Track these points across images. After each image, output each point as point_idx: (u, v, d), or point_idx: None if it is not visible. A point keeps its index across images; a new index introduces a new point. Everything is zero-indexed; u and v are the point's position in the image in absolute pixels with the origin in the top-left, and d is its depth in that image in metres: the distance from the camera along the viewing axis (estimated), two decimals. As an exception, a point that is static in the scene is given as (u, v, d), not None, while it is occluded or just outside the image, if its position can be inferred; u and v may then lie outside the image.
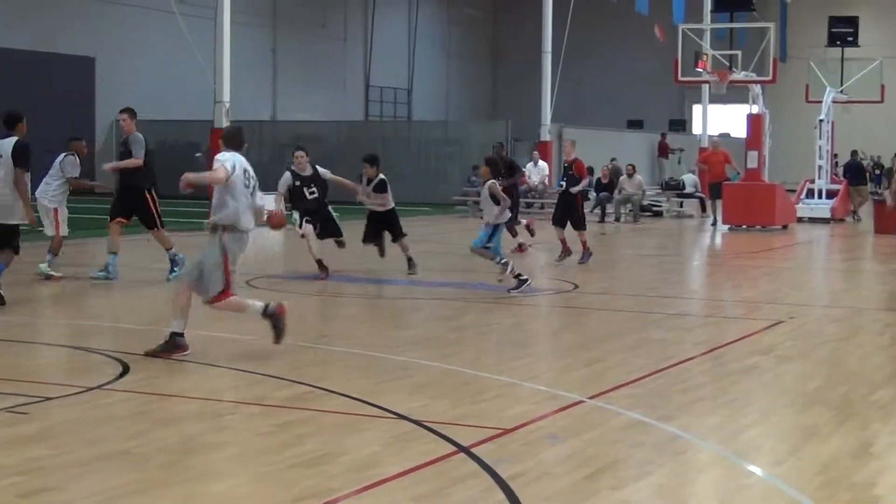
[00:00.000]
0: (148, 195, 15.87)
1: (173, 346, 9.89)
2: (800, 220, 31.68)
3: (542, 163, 34.72)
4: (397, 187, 37.94)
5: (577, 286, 16.62)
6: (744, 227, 29.25)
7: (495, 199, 15.16)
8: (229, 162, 10.09)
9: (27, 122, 13.40)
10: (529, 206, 33.86)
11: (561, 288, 16.46)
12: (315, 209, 16.95)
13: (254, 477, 6.48)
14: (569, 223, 19.30)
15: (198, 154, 30.15)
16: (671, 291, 17.11)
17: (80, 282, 15.65)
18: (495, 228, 15.35)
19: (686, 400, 8.75)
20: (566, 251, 18.90)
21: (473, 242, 15.70)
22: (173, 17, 27.81)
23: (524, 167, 36.23)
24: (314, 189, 16.91)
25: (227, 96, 27.00)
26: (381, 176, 16.97)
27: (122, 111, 16.85)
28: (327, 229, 17.15)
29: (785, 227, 29.69)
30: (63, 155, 16.35)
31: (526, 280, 14.91)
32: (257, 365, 9.82)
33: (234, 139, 10.65)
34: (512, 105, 54.09)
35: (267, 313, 10.05)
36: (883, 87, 43.54)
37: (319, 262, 16.00)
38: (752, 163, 31.53)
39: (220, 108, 27.00)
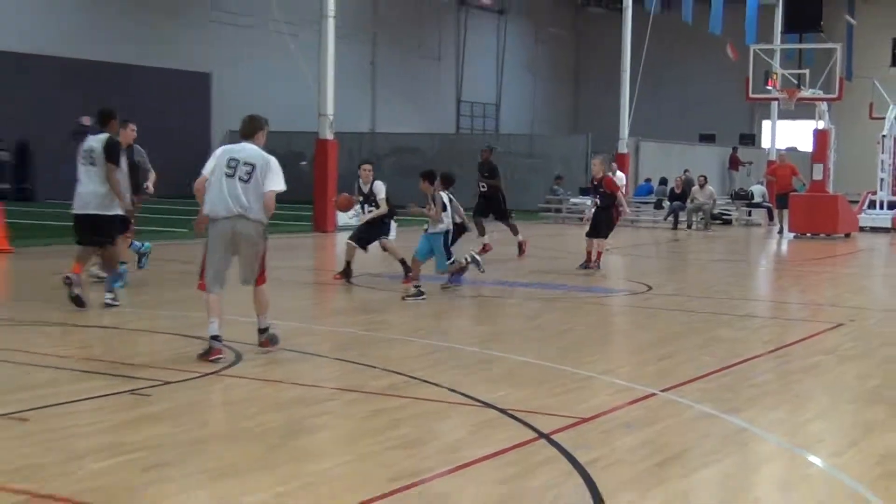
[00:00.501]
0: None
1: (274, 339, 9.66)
2: (861, 229, 31.23)
3: (619, 173, 34.67)
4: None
5: (650, 288, 16.52)
6: (808, 235, 28.90)
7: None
8: (210, 161, 9.20)
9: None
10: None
11: (635, 290, 16.37)
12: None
13: (353, 457, 6.54)
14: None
15: (303, 163, 30.38)
16: (739, 294, 16.95)
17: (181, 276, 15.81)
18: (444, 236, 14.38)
19: (752, 395, 8.68)
20: (593, 261, 18.07)
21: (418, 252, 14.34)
22: (282, 35, 28.03)
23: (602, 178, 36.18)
24: (371, 208, 16.57)
25: (329, 109, 27.08)
26: (442, 193, 14.95)
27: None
28: (371, 233, 16.63)
29: (847, 235, 29.29)
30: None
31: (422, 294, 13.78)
32: (356, 356, 9.90)
33: (243, 129, 9.46)
34: (592, 119, 53.74)
35: (211, 336, 9.09)
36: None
37: (402, 262, 15.53)
38: (818, 175, 31.20)
39: (323, 121, 27.13)
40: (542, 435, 7.01)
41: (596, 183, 18.44)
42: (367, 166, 17.13)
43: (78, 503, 5.47)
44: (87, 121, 15.65)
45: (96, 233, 12.32)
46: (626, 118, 37.96)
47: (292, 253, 21.42)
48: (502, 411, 7.68)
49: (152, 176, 15.09)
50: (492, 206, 21.52)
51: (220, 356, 8.91)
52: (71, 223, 12.84)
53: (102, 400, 7.91)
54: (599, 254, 18.10)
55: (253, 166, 8.86)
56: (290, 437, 6.96)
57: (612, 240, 20.79)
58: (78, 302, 11.98)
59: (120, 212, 12.48)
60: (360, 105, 47.42)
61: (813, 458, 6.84)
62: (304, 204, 28.24)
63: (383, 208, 16.27)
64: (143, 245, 15.52)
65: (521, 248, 21.19)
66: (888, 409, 8.29)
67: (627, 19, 38.36)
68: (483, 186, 21.38)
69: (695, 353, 10.68)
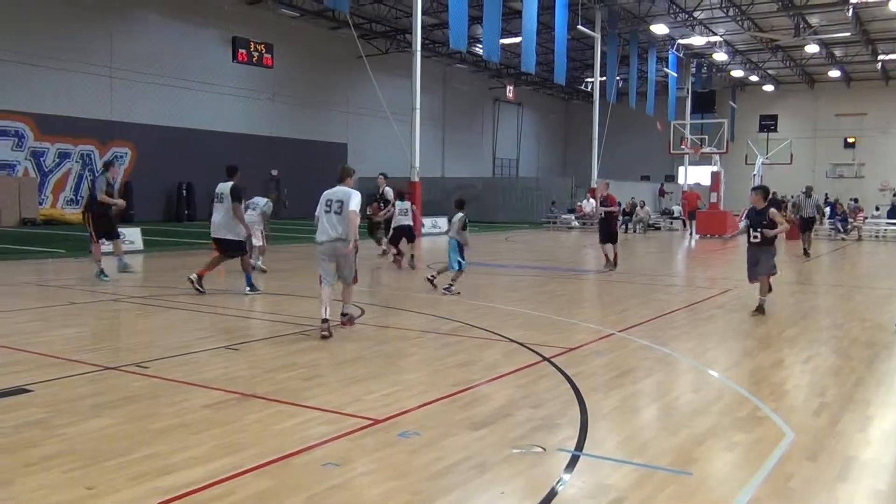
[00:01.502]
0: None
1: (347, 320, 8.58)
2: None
3: (591, 200, 34.93)
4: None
5: (612, 270, 16.34)
6: (707, 235, 28.53)
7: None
8: (319, 204, 8.27)
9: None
10: (584, 224, 33.59)
11: (601, 270, 16.19)
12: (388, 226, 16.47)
13: (429, 372, 6.55)
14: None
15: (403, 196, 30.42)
16: (665, 272, 16.75)
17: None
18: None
19: (673, 334, 8.57)
20: (611, 262, 15.51)
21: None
22: (388, 119, 28.21)
23: (580, 203, 36.32)
24: (385, 207, 16.75)
25: (416, 163, 27.23)
26: (459, 214, 11.95)
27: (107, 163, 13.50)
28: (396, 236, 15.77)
29: (732, 236, 28.92)
30: (266, 200, 14.82)
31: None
32: (432, 311, 9.92)
33: (338, 175, 8.48)
34: (575, 167, 53.91)
35: (322, 319, 7.97)
36: (791, 154, 43.28)
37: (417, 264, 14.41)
38: (714, 199, 31.55)
39: (413, 170, 27.26)
40: (545, 358, 6.99)
41: (602, 199, 16.40)
42: (380, 177, 17.31)
43: (268, 399, 5.52)
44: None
45: (227, 249, 11.23)
46: (595, 165, 38.02)
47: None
48: (521, 344, 7.66)
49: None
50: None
51: (326, 336, 7.80)
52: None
53: (282, 337, 8.00)
54: (616, 255, 15.63)
55: (342, 202, 8.06)
56: (392, 360, 7.00)
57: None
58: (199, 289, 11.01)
59: (241, 237, 11.23)
60: (435, 160, 47.65)
61: (712, 372, 6.76)
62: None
63: (390, 207, 16.46)
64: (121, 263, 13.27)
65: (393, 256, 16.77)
66: (756, 343, 8.16)
67: (595, 107, 38.32)
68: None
69: (638, 308, 10.55)
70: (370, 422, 4.99)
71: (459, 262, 11.59)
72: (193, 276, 11.08)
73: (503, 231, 29.87)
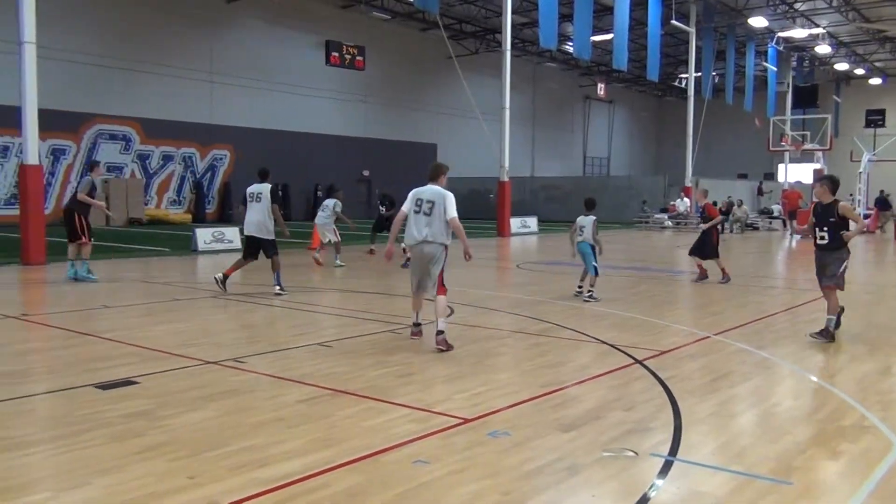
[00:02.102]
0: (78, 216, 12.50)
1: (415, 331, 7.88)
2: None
3: (686, 199, 34.27)
4: (601, 214, 37.42)
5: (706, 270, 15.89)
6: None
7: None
8: (406, 202, 7.55)
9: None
10: (677, 224, 32.85)
11: (695, 271, 15.77)
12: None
13: (519, 372, 6.53)
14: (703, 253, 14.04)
15: (490, 195, 30.43)
16: (764, 273, 16.18)
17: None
18: None
19: (773, 338, 8.26)
20: (703, 274, 13.68)
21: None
22: (478, 119, 28.22)
23: (673, 202, 35.48)
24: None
25: (506, 163, 27.18)
26: (592, 217, 11.32)
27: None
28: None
29: (799, 235, 27.89)
30: (335, 201, 15.52)
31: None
32: (521, 311, 9.88)
33: (430, 173, 7.77)
34: (667, 165, 52.74)
35: (412, 324, 7.84)
36: (900, 151, 41.15)
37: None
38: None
39: (502, 170, 27.22)
40: (637, 361, 6.86)
41: (701, 209, 14.76)
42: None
43: (360, 396, 5.62)
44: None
45: (262, 248, 11.24)
46: (689, 164, 37.06)
47: (484, 250, 21.50)
48: (612, 346, 7.55)
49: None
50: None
51: (417, 338, 7.71)
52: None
53: (373, 335, 8.11)
54: (724, 269, 13.52)
55: (433, 203, 7.36)
56: (482, 359, 7.00)
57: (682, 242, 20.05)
58: (222, 285, 11.25)
59: (273, 236, 11.24)
60: (524, 159, 47.47)
61: (814, 378, 6.50)
62: (491, 220, 28.43)
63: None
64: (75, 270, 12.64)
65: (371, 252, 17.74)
66: (864, 348, 7.77)
67: (690, 104, 37.37)
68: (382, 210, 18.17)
69: (734, 311, 10.23)
70: (460, 420, 5.01)
71: (595, 268, 11.07)
72: (219, 276, 11.30)
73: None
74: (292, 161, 34.28)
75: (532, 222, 30.22)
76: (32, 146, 15.13)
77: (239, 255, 11.98)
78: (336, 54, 34.59)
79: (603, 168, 56.27)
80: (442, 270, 7.48)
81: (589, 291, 10.99)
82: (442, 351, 7.09)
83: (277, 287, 11.16)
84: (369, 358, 6.95)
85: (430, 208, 7.38)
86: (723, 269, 13.51)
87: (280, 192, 11.33)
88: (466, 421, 5.01)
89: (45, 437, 4.66)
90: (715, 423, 5.14)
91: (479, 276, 14.82)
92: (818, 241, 8.35)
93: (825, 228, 8.22)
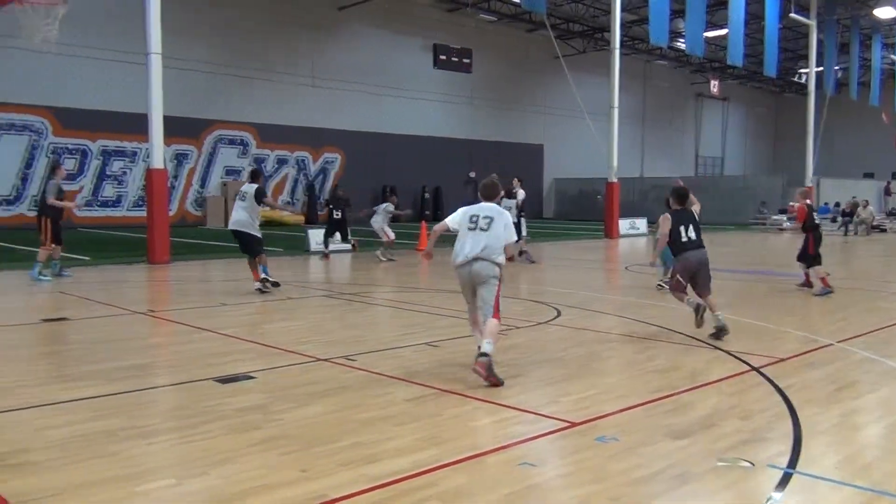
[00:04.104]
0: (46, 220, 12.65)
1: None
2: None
3: (807, 200, 32.71)
4: (714, 216, 36.28)
5: (828, 274, 15.11)
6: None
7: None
8: (455, 216, 6.75)
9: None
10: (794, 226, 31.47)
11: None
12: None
13: (627, 377, 6.40)
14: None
15: (598, 196, 29.95)
16: (893, 278, 15.23)
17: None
18: None
19: (902, 346, 7.79)
20: (806, 282, 12.45)
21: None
22: (585, 119, 27.85)
23: (793, 203, 33.94)
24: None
25: (614, 163, 26.75)
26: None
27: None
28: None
29: None
30: (387, 204, 17.16)
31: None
32: (629, 314, 9.68)
33: (487, 192, 6.85)
34: (786, 164, 50.66)
35: (481, 352, 6.05)
36: None
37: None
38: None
39: (610, 171, 26.78)
40: (753, 368, 6.60)
41: (788, 210, 13.31)
42: (516, 180, 16.75)
43: (466, 396, 5.64)
44: (472, 174, 16.09)
45: (246, 243, 11.64)
46: (809, 163, 35.50)
47: (591, 252, 21.24)
48: (726, 352, 7.29)
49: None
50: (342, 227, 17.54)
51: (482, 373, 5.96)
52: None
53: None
54: (823, 279, 12.04)
55: (491, 219, 6.55)
56: (589, 363, 6.89)
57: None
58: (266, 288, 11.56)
59: (259, 234, 11.68)
60: (633, 159, 46.60)
61: (949, 391, 6.06)
62: (599, 221, 28.02)
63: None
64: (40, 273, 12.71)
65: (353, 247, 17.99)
66: None
67: (810, 100, 35.73)
68: (337, 214, 17.31)
69: (860, 317, 9.69)
70: (567, 424, 4.95)
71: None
72: (258, 285, 11.42)
73: (706, 233, 28.54)
74: (400, 163, 34.87)
75: (641, 224, 29.57)
76: (158, 151, 15.97)
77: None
78: (443, 57, 34.90)
79: (716, 168, 54.54)
80: (497, 296, 6.48)
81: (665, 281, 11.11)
82: (480, 375, 5.89)
83: (260, 280, 11.44)
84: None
85: (489, 224, 6.59)
86: (821, 279, 12.02)
87: (264, 196, 11.71)
88: (574, 425, 4.94)
89: (167, 427, 4.90)
90: (838, 435, 4.88)
91: (585, 278, 14.63)
92: None
93: None
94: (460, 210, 6.85)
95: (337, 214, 17.19)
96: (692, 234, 8.40)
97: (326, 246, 17.56)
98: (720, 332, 7.91)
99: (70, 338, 8.18)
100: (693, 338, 7.98)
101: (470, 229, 6.62)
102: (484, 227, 6.60)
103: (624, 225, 28.05)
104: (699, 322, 8.01)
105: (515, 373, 6.41)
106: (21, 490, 3.77)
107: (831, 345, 7.76)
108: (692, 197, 8.97)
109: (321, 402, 5.42)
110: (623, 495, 3.82)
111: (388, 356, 7.04)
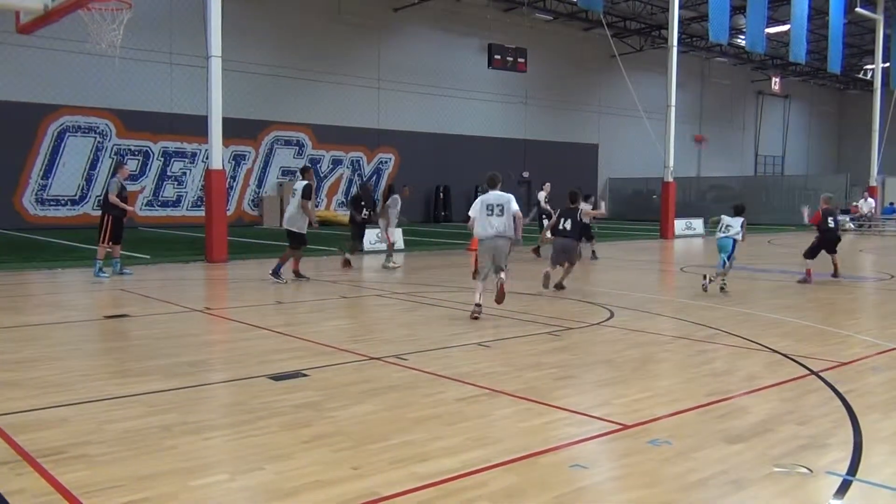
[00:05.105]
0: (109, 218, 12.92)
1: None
2: None
3: (870, 199, 31.72)
4: (770, 216, 35.36)
5: (892, 276, 14.69)
6: None
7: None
8: (475, 206, 9.31)
9: (560, 181, 13.19)
10: (860, 226, 30.49)
11: (881, 277, 14.62)
12: None
13: (682, 380, 6.30)
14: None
15: (654, 196, 29.60)
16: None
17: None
18: None
19: (973, 352, 7.49)
20: (807, 278, 13.18)
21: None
22: (641, 118, 27.50)
23: (857, 203, 32.96)
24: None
25: (671, 163, 26.37)
26: (741, 218, 12.12)
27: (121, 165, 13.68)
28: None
29: None
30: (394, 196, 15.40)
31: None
32: (685, 316, 9.53)
33: (492, 181, 9.44)
34: (849, 164, 49.23)
35: (477, 303, 9.20)
36: None
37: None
38: None
39: (666, 170, 26.40)
40: (813, 372, 6.44)
41: (808, 214, 13.96)
42: (547, 185, 17.67)
43: (517, 397, 5.63)
44: (525, 174, 15.95)
45: (289, 240, 12.68)
46: (875, 161, 34.45)
47: (646, 252, 20.95)
48: (785, 356, 7.12)
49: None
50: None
51: (477, 317, 9.06)
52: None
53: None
54: (808, 271, 13.31)
55: (501, 205, 9.19)
56: (643, 365, 6.81)
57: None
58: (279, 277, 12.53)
59: (303, 230, 12.48)
60: (690, 159, 45.87)
61: None
62: (654, 221, 27.63)
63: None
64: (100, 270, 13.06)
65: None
66: None
67: (877, 96, 34.69)
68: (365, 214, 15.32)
69: (927, 322, 9.38)
70: (619, 426, 4.90)
71: (726, 262, 11.87)
72: (292, 277, 12.50)
73: (766, 233, 27.93)
74: (453, 163, 34.94)
75: (698, 224, 29.07)
76: (217, 152, 16.31)
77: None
78: (498, 57, 34.76)
79: (777, 167, 53.29)
80: (506, 259, 9.50)
81: (722, 281, 11.79)
82: (499, 291, 9.23)
83: (271, 272, 12.46)
84: (528, 359, 6.94)
85: (501, 210, 9.20)
86: (807, 271, 13.35)
87: (313, 190, 12.12)
88: (626, 427, 4.89)
89: (223, 422, 5.01)
90: (902, 443, 4.73)
91: (640, 279, 14.44)
92: None
93: None
94: (477, 200, 9.39)
95: (365, 215, 15.31)
96: (567, 226, 11.51)
97: (352, 252, 15.47)
98: (554, 286, 11.54)
99: (130, 334, 8.41)
100: (751, 341, 7.82)
101: (488, 215, 9.20)
102: (499, 212, 9.18)
103: (679, 225, 27.62)
104: (545, 283, 11.39)
105: (567, 374, 6.38)
106: (80, 482, 3.89)
107: (895, 349, 7.52)
108: (583, 201, 12.58)
109: (372, 401, 5.47)
110: (675, 500, 3.77)
111: (440, 356, 7.07)
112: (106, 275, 12.97)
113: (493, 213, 9.18)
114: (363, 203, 15.21)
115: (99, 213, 13.46)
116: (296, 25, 30.91)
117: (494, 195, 9.32)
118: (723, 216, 12.44)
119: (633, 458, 4.34)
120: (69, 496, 3.70)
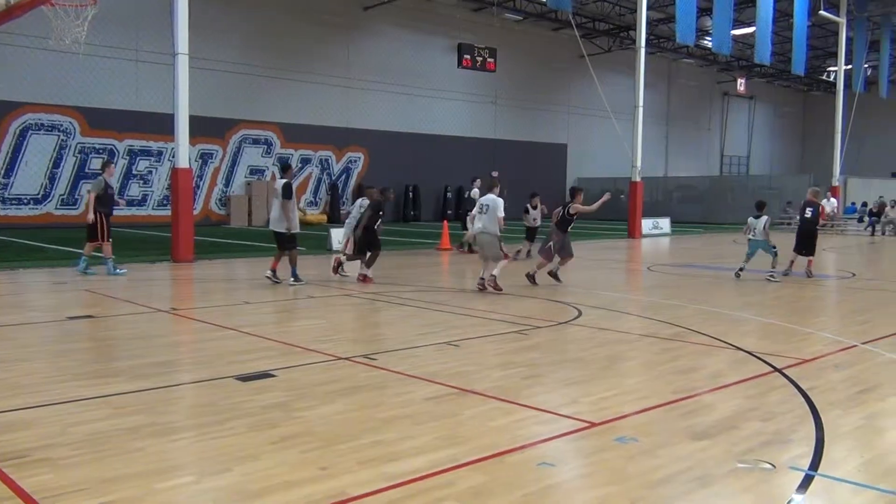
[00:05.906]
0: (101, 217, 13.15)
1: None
2: None
3: (833, 199, 32.35)
4: (739, 215, 35.79)
5: (854, 274, 14.98)
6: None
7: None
8: (476, 206, 11.75)
9: (526, 181, 13.34)
10: (823, 226, 31.07)
11: (843, 276, 14.90)
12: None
13: (649, 378, 6.37)
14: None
15: (622, 195, 29.81)
16: (922, 280, 15.02)
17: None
18: None
19: (930, 349, 7.67)
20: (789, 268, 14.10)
21: None
22: (609, 119, 27.72)
23: (821, 203, 33.69)
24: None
25: (638, 163, 26.61)
26: (765, 217, 13.59)
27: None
28: None
29: None
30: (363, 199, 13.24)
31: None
32: (652, 314, 9.63)
33: (489, 185, 11.84)
34: (813, 164, 50.12)
35: (482, 277, 11.54)
36: None
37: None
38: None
39: (634, 170, 26.63)
40: (776, 369, 6.55)
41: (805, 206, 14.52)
42: (478, 180, 17.83)
43: (486, 396, 5.65)
44: (494, 174, 15.91)
45: (279, 241, 12.37)
46: (837, 162, 35.11)
47: (613, 251, 21.13)
48: (749, 353, 7.24)
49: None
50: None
51: (480, 289, 11.37)
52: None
53: (500, 335, 8.13)
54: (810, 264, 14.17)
55: (488, 206, 11.32)
56: (610, 363, 6.87)
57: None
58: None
59: (292, 230, 12.20)
60: (657, 159, 46.35)
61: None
62: (622, 221, 27.87)
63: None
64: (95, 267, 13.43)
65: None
66: None
67: (839, 98, 35.34)
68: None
69: (886, 318, 9.57)
70: (586, 424, 4.95)
71: (774, 250, 13.51)
72: (269, 273, 12.37)
73: (730, 233, 28.32)
74: (423, 163, 34.93)
75: (665, 223, 29.39)
76: (183, 150, 16.13)
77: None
78: (468, 57, 34.84)
79: (742, 167, 54.03)
80: (502, 247, 11.33)
81: (771, 272, 13.28)
82: (483, 290, 11.23)
83: (292, 279, 12.20)
84: (496, 358, 6.97)
85: (486, 209, 11.21)
86: (791, 262, 14.34)
87: (293, 189, 11.68)
88: (593, 425, 4.94)
89: (190, 424, 4.96)
90: (861, 438, 4.83)
91: (608, 278, 14.56)
92: None
93: None
94: (479, 201, 11.52)
95: (379, 225, 13.25)
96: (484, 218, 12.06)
97: (370, 266, 13.23)
98: (549, 273, 12.49)
99: (96, 335, 8.30)
100: (717, 339, 7.93)
101: (479, 213, 11.31)
102: (485, 211, 11.22)
103: (647, 224, 27.89)
104: (554, 276, 12.50)
105: (535, 373, 6.41)
106: (43, 486, 3.84)
107: (855, 346, 7.68)
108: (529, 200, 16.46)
109: (341, 401, 5.45)
110: (642, 497, 3.82)
111: (408, 355, 7.07)
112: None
113: (482, 211, 11.34)
114: (382, 212, 13.06)
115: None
116: (264, 23, 30.68)
117: (488, 198, 11.44)
118: (749, 219, 13.65)
119: (600, 456, 4.38)
120: (30, 501, 3.65)
